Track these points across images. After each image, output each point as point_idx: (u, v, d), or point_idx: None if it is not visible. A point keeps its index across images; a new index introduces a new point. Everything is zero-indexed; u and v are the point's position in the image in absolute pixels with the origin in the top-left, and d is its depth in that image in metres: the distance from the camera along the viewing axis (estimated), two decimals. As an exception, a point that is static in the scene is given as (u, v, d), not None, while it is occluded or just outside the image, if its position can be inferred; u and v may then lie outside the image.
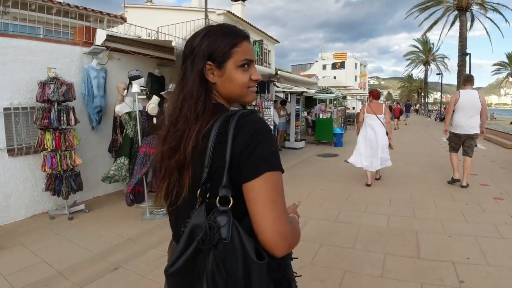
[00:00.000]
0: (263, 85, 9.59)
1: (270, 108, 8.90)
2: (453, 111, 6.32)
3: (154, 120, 4.82)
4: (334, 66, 56.96)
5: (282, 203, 0.96)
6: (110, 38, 6.07)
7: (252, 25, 21.25)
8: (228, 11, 18.55)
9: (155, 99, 5.00)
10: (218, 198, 0.92)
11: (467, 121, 6.06)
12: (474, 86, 6.33)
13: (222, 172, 0.93)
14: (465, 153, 6.24)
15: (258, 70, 1.19)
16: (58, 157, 4.97)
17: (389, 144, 6.73)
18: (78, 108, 5.63)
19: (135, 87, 4.74)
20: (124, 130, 5.20)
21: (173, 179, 1.06)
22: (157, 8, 19.89)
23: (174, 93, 1.09)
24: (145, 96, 5.01)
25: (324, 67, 58.88)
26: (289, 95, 12.93)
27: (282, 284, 1.02)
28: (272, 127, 9.02)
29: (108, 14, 12.07)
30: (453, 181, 6.46)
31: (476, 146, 6.33)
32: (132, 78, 4.77)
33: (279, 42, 25.87)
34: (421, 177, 7.38)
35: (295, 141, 12.48)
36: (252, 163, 0.93)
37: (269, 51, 24.45)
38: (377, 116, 6.56)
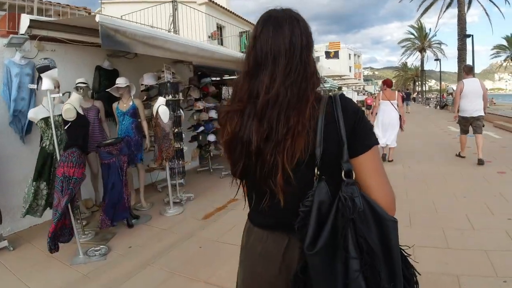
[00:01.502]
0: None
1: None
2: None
3: (71, 127, 3.44)
4: (328, 55, 55.29)
5: (384, 170, 1.08)
6: (35, 24, 4.71)
7: (237, 15, 19.84)
8: (210, 0, 17.10)
9: (74, 98, 3.62)
10: (343, 172, 1.01)
11: (471, 106, 7.03)
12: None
13: (336, 150, 1.03)
14: (475, 131, 7.10)
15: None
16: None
17: (401, 126, 7.52)
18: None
19: (46, 82, 3.35)
20: (41, 143, 3.82)
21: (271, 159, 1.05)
22: (134, 2, 18.40)
23: (280, 71, 1.05)
24: (61, 95, 3.60)
25: (318, 59, 57.26)
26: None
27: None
28: None
29: (69, 6, 10.68)
30: (459, 156, 7.52)
31: (483, 126, 7.19)
32: (40, 70, 3.37)
33: (268, 33, 24.43)
34: (440, 178, 6.05)
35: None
36: (361, 139, 1.05)
37: (258, 43, 23.09)
38: (391, 102, 7.40)
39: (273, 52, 1.05)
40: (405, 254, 1.08)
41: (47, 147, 3.77)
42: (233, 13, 19.50)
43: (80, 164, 3.41)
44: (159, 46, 4.17)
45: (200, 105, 6.69)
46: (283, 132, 1.01)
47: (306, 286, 1.03)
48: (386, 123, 7.44)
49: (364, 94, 32.51)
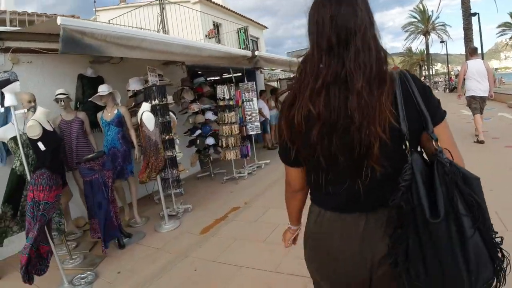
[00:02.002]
0: (243, 73, 7.74)
1: (252, 100, 7.01)
2: (464, 79, 7.39)
3: (40, 145, 3.03)
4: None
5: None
6: (5, 35, 4.39)
7: (234, 12, 19.37)
8: (204, -2, 16.65)
9: (39, 112, 3.22)
10: (433, 141, 1.06)
11: (477, 86, 7.14)
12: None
13: (417, 123, 1.08)
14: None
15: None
16: None
17: None
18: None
19: (8, 97, 2.95)
20: (13, 164, 3.44)
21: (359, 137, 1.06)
22: (128, 7, 18.03)
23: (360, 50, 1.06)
24: (25, 110, 3.20)
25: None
26: (279, 82, 11.05)
27: None
28: (258, 124, 7.22)
29: (56, 16, 10.33)
30: (478, 142, 7.09)
31: (486, 104, 7.46)
32: (1, 85, 2.97)
33: (267, 28, 23.91)
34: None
35: (293, 136, 10.41)
36: (435, 111, 1.11)
37: (257, 38, 22.50)
38: None
39: (352, 30, 1.05)
40: None
41: (17, 168, 3.38)
42: (230, 9, 19.03)
43: (52, 186, 3.01)
44: (135, 46, 3.76)
45: (195, 107, 6.26)
46: (373, 104, 1.03)
47: (408, 257, 1.04)
48: None
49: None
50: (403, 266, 1.05)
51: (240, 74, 11.04)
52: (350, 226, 1.16)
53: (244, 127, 6.90)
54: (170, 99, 5.07)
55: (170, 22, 11.84)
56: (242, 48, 17.15)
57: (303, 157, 1.19)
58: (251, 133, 7.17)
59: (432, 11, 49.47)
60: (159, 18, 8.57)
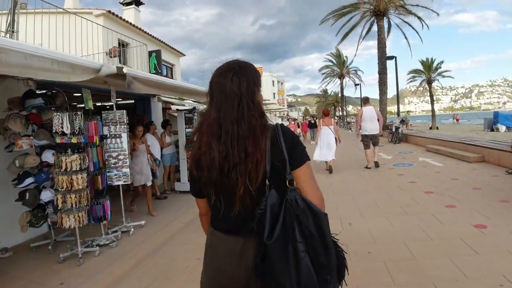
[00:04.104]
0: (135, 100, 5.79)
1: (121, 137, 5.06)
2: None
3: None
4: (250, 81, 56.43)
5: (315, 178, 1.43)
6: None
7: (146, 32, 17.38)
8: (109, 11, 14.52)
9: None
10: (287, 181, 1.36)
11: (370, 127, 9.84)
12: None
13: (280, 165, 1.34)
14: (374, 144, 9.97)
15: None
16: None
17: (338, 140, 9.90)
18: None
19: None
20: None
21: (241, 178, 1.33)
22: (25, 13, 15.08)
23: (241, 112, 1.35)
24: None
25: (242, 86, 57.84)
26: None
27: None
28: (127, 171, 5.10)
29: None
30: (366, 168, 9.81)
31: (379, 139, 10.29)
32: None
33: (184, 55, 22.19)
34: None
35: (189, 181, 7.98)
36: (297, 157, 1.38)
37: (172, 65, 20.62)
38: (329, 127, 9.87)
39: (225, 93, 1.36)
40: (335, 239, 1.36)
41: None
42: (141, 29, 17.01)
43: None
44: None
45: (23, 144, 4.07)
46: (242, 156, 1.31)
47: (265, 272, 1.28)
48: (326, 142, 9.69)
49: (287, 120, 31.54)
50: (260, 277, 1.30)
51: (133, 101, 9.03)
52: (232, 245, 1.41)
53: (100, 177, 4.68)
54: None
55: (65, 33, 9.69)
56: (155, 73, 15.14)
57: (205, 190, 1.43)
58: (116, 183, 5.02)
59: (346, 56, 52.49)
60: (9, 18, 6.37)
